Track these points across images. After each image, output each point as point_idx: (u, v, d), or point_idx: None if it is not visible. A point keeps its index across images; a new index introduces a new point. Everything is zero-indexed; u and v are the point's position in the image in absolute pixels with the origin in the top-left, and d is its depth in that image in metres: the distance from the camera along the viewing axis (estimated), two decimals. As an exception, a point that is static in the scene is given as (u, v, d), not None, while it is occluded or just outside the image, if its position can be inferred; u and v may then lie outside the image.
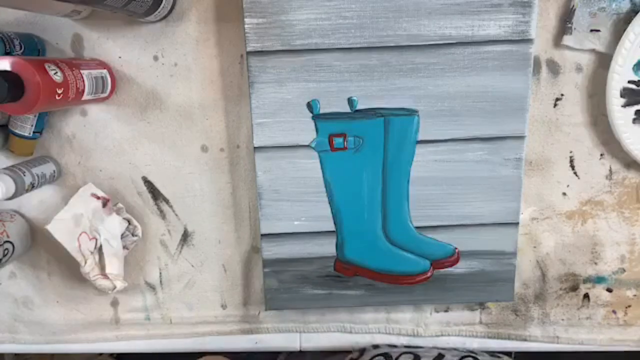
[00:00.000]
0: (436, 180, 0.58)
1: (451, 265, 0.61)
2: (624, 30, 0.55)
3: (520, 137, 0.56)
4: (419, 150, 0.57)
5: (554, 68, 0.59)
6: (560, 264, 0.65)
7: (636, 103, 0.57)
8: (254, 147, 0.57)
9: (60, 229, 0.58)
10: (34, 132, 0.59)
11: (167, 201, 0.63)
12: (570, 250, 0.64)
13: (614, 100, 0.57)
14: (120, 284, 0.61)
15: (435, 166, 0.58)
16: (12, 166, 0.57)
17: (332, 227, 0.60)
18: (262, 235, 0.60)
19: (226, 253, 0.65)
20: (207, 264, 0.66)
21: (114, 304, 0.67)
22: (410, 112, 0.56)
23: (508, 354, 0.69)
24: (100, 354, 1.33)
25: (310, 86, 0.55)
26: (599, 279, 0.65)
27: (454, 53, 0.54)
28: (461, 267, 0.61)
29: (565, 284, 0.65)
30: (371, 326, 0.67)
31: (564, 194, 0.63)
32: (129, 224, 0.62)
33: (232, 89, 0.60)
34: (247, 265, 0.66)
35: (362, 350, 0.67)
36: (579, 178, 0.62)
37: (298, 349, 0.69)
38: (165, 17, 0.57)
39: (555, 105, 0.60)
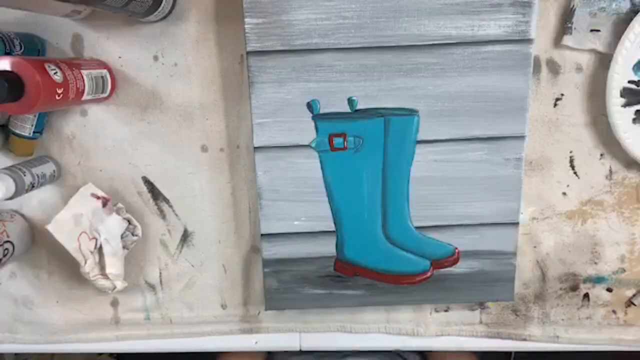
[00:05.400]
0: (436, 180, 0.58)
1: (451, 265, 0.61)
2: (624, 30, 0.55)
3: (520, 137, 0.56)
4: (419, 150, 0.57)
5: (554, 68, 0.59)
6: (560, 264, 0.65)
7: (636, 103, 0.57)
8: (254, 147, 0.57)
9: (60, 229, 0.58)
10: (34, 132, 0.59)
11: (167, 201, 0.63)
12: (570, 250, 0.64)
13: (614, 100, 0.57)
14: (120, 284, 0.61)
15: (435, 166, 0.58)
16: (12, 166, 0.56)
17: (332, 227, 0.60)
18: (262, 235, 0.60)
19: (226, 253, 0.65)
20: (207, 264, 0.66)
21: (114, 304, 0.67)
22: (410, 112, 0.56)
23: (508, 354, 0.69)
24: (100, 354, 1.34)
25: (310, 86, 0.55)
26: (599, 279, 0.65)
27: (454, 53, 0.54)
28: (461, 267, 0.61)
29: (565, 283, 0.65)
30: (371, 326, 0.67)
31: (564, 194, 0.63)
32: (129, 224, 0.62)
33: (232, 89, 0.60)
34: (247, 265, 0.66)
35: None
36: (579, 178, 0.62)
37: (298, 349, 0.69)
38: (165, 17, 0.57)
39: (555, 105, 0.60)
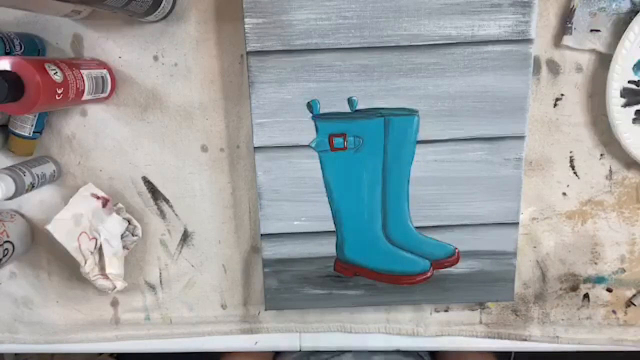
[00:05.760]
0: (436, 180, 0.58)
1: (451, 265, 0.61)
2: (624, 30, 0.55)
3: (520, 137, 0.56)
4: (419, 150, 0.57)
5: (554, 68, 0.59)
6: (560, 264, 0.65)
7: (636, 103, 0.57)
8: (254, 147, 0.57)
9: (60, 229, 0.58)
10: (34, 132, 0.59)
11: (167, 201, 0.63)
12: (570, 250, 0.64)
13: (614, 100, 0.57)
14: (120, 284, 0.61)
15: (435, 166, 0.58)
16: (12, 166, 0.57)
17: (332, 227, 0.60)
18: (262, 235, 0.60)
19: (226, 253, 0.65)
20: (207, 264, 0.66)
21: (114, 304, 0.67)
22: (410, 112, 0.56)
23: (508, 354, 0.69)
24: (100, 354, 1.34)
25: (310, 86, 0.55)
26: (599, 279, 0.65)
27: (454, 53, 0.54)
28: (461, 267, 0.61)
29: (565, 284, 0.65)
30: (371, 326, 0.67)
31: (564, 194, 0.63)
32: (129, 224, 0.62)
33: (232, 89, 0.60)
34: (247, 265, 0.66)
35: None
36: (579, 178, 0.62)
37: (298, 349, 0.69)
38: (165, 17, 0.57)
39: (555, 105, 0.60)
